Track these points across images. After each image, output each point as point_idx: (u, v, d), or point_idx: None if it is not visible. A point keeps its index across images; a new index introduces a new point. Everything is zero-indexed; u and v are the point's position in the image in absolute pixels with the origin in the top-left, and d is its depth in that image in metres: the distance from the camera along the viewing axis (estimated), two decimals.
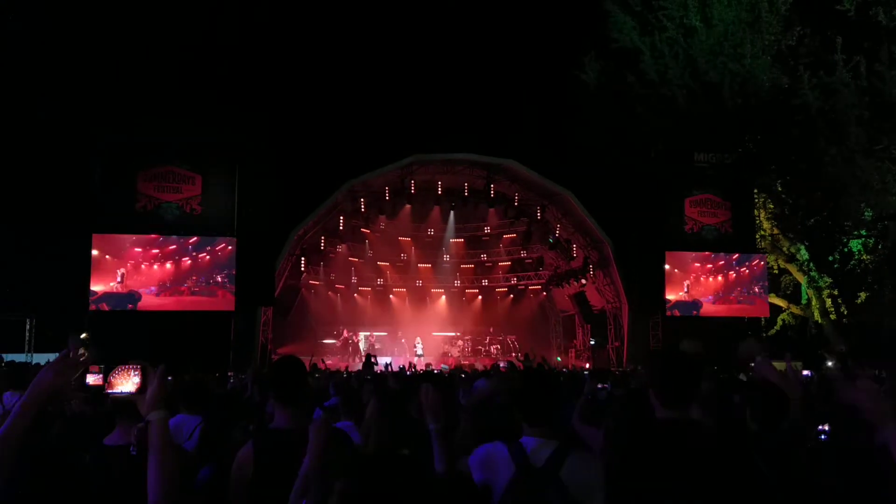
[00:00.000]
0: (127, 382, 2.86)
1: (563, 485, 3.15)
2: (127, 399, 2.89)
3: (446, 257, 35.46)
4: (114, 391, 2.86)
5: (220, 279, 20.48)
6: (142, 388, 2.81)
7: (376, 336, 32.44)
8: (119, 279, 19.56)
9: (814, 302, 24.69)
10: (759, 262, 24.53)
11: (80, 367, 2.64)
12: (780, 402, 4.02)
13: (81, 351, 2.78)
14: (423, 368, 20.16)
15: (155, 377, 2.82)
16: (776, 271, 26.17)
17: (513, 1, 29.85)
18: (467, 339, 33.13)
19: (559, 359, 31.75)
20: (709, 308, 24.09)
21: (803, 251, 24.56)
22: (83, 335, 18.81)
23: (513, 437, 3.39)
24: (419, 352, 29.21)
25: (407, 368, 19.27)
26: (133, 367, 2.86)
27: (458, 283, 35.83)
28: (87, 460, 3.44)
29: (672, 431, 3.20)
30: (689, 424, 3.25)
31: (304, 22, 26.89)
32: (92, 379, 2.98)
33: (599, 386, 8.43)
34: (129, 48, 22.11)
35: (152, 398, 2.76)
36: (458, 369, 17.45)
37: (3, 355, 15.40)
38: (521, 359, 17.75)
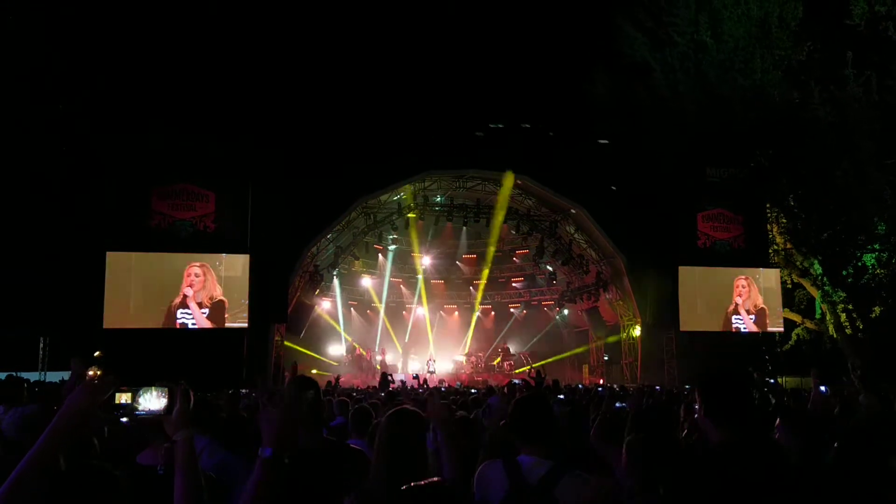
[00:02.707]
0: (153, 402, 2.93)
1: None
2: (154, 418, 2.94)
3: (459, 272, 35.53)
4: (140, 411, 2.93)
5: (231, 296, 20.59)
6: (168, 409, 2.87)
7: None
8: (132, 297, 19.71)
9: (828, 316, 24.52)
10: (772, 277, 24.47)
11: (109, 390, 2.70)
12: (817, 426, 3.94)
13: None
14: (436, 384, 20.17)
15: (179, 397, 2.86)
16: (790, 286, 26.03)
17: (524, 16, 29.96)
18: (480, 356, 33.07)
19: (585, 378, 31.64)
20: (722, 323, 24.01)
21: (817, 265, 24.42)
22: (96, 353, 18.88)
23: (511, 454, 3.42)
24: (431, 368, 29.19)
25: (419, 384, 19.23)
26: (158, 388, 2.93)
27: (470, 298, 35.84)
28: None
29: (733, 455, 2.89)
30: (754, 446, 2.94)
31: (317, 39, 27.07)
32: (120, 399, 3.04)
33: (617, 405, 8.38)
34: (143, 64, 22.25)
35: (178, 418, 2.81)
36: (466, 388, 17.41)
37: (17, 373, 15.44)
38: (533, 375, 17.71)
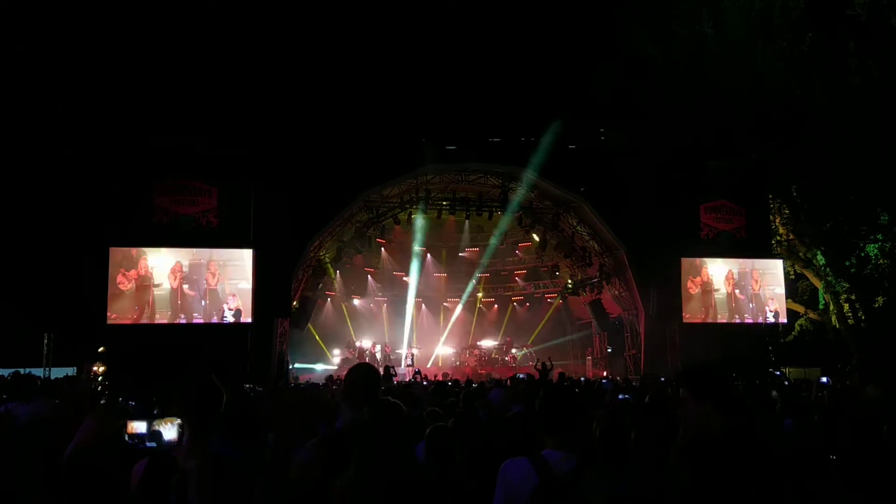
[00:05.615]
0: (170, 432, 2.99)
1: (586, 499, 3.15)
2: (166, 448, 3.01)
3: (461, 266, 35.49)
4: (151, 443, 3.00)
5: (235, 291, 20.62)
6: (180, 439, 2.93)
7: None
8: (134, 293, 19.76)
9: (831, 307, 24.53)
10: (775, 268, 24.47)
11: (113, 428, 2.75)
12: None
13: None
14: (440, 378, 20.13)
15: (186, 427, 2.92)
16: (793, 276, 26.02)
17: (526, 10, 29.87)
18: (483, 349, 33.03)
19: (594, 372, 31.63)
20: (726, 314, 24.04)
21: (820, 256, 24.41)
22: (100, 349, 18.92)
23: (533, 449, 3.40)
24: (409, 361, 29.23)
25: (420, 378, 19.22)
26: (174, 420, 2.99)
27: (474, 292, 35.80)
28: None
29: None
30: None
31: (320, 34, 27.02)
32: (137, 428, 3.10)
33: (620, 396, 8.40)
34: (145, 61, 22.25)
35: (188, 449, 2.89)
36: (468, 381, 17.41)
37: (21, 370, 15.47)
38: (538, 368, 17.70)
